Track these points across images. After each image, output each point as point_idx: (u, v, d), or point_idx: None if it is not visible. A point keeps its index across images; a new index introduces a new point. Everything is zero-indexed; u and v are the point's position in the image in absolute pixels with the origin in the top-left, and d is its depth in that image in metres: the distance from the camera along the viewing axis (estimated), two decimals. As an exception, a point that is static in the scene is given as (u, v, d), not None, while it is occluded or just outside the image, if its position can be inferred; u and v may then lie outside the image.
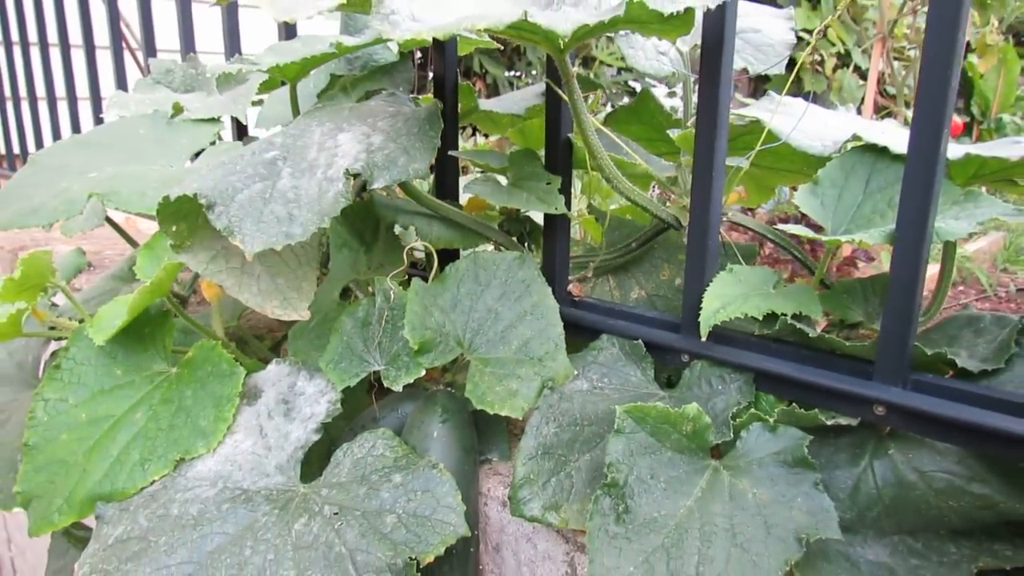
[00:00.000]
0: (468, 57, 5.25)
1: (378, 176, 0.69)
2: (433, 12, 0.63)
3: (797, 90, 6.27)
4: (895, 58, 4.56)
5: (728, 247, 0.91)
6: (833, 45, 5.22)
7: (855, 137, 0.81)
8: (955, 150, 0.76)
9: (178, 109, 1.15)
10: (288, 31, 1.32)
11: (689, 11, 0.59)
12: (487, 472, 0.82)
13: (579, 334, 0.87)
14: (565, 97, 0.78)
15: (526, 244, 1.02)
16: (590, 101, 1.25)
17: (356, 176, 0.68)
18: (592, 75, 5.36)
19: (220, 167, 0.70)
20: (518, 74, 6.04)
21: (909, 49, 4.47)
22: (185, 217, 0.74)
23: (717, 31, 0.71)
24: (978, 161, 0.82)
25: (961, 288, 2.59)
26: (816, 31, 0.90)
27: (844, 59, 5.11)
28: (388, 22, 0.57)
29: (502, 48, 5.55)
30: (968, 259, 2.54)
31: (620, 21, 0.57)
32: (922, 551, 0.66)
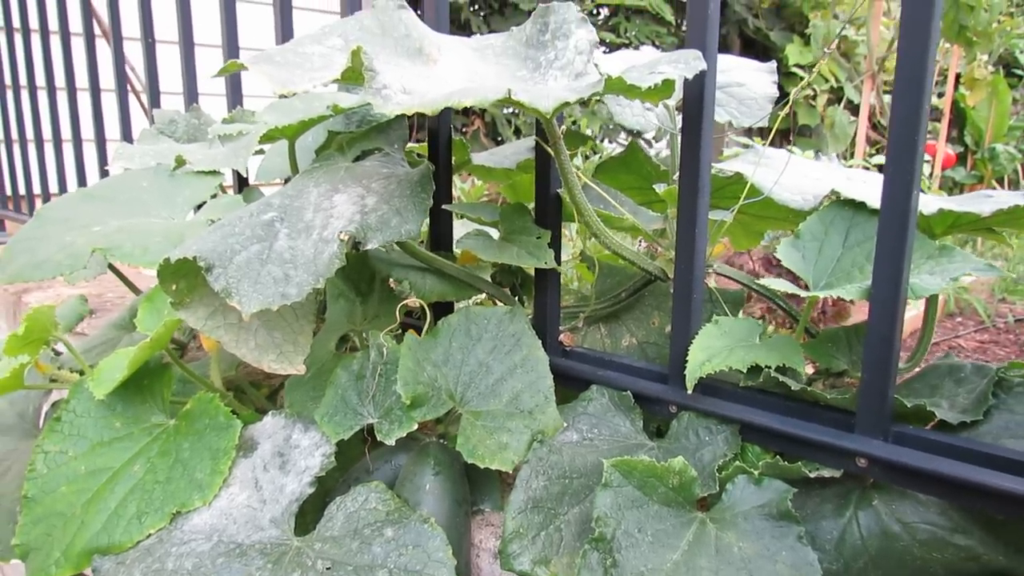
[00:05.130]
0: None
1: (371, 237, 0.71)
2: (424, 84, 0.66)
3: (792, 124, 6.37)
4: (887, 92, 4.64)
5: (714, 296, 0.93)
6: (826, 81, 5.32)
7: (834, 192, 0.83)
8: (929, 205, 0.79)
9: (180, 162, 1.18)
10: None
11: (667, 81, 0.62)
12: (479, 523, 0.83)
13: (570, 384, 0.89)
14: (554, 154, 0.81)
15: (519, 295, 1.04)
16: (578, 152, 1.28)
17: (351, 238, 0.71)
18: (592, 111, 5.44)
19: (219, 229, 0.73)
20: (516, 112, 6.15)
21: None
22: (185, 276, 0.77)
23: (697, 96, 0.74)
24: (953, 215, 0.85)
25: (959, 319, 2.61)
26: (797, 88, 0.93)
27: (837, 93, 5.19)
28: (380, 96, 0.60)
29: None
30: (966, 290, 2.56)
31: (600, 95, 0.60)
32: (908, 603, 0.66)
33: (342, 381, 0.83)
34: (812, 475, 0.69)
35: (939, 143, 4.11)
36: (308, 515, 0.82)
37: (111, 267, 1.32)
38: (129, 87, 2.21)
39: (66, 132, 2.35)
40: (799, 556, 0.63)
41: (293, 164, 0.98)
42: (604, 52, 0.95)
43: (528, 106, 0.56)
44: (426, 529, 0.70)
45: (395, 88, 0.61)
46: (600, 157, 1.11)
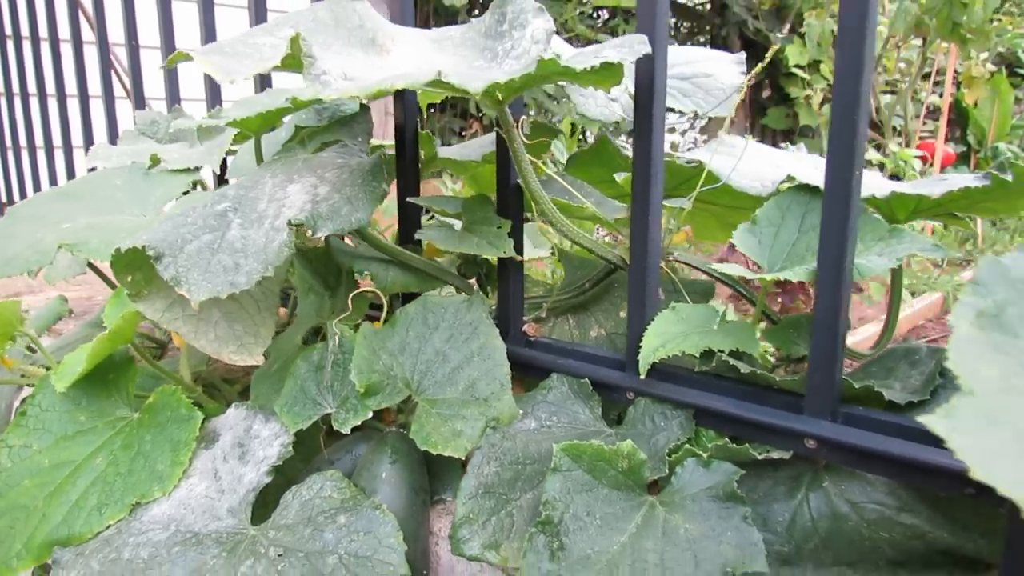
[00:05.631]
0: (465, 100, 5.37)
1: (322, 226, 0.72)
2: (369, 71, 0.67)
3: (793, 124, 6.35)
4: (891, 91, 4.63)
5: (678, 286, 0.93)
6: (825, 79, 5.31)
7: (789, 177, 0.83)
8: (882, 188, 0.79)
9: (155, 161, 1.19)
10: (264, 83, 1.37)
11: (607, 65, 0.62)
12: (440, 512, 0.83)
13: (533, 374, 0.89)
14: (508, 142, 0.81)
15: (485, 286, 1.04)
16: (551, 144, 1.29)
17: (300, 226, 0.71)
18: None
19: (171, 219, 0.73)
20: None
21: (902, 82, 4.54)
22: (140, 268, 0.77)
23: (647, 84, 0.74)
24: (914, 198, 0.85)
25: (958, 317, 2.59)
26: (750, 75, 0.93)
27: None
28: (319, 82, 0.60)
29: (498, 89, 5.69)
30: (964, 287, 2.56)
31: (535, 78, 0.60)
32: (859, 584, 0.66)
33: (302, 372, 0.83)
34: (760, 456, 0.68)
35: (938, 142, 4.09)
36: (271, 505, 0.82)
37: (91, 267, 1.33)
38: (124, 90, 2.22)
39: (57, 139, 2.38)
40: (744, 536, 0.62)
41: (259, 158, 0.98)
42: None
43: (458, 87, 0.56)
44: (377, 515, 0.70)
45: (335, 74, 0.61)
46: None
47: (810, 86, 5.49)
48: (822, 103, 4.35)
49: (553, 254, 1.14)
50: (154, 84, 1.83)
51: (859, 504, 0.66)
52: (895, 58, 4.49)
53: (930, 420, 0.31)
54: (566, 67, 0.58)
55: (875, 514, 0.65)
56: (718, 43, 7.18)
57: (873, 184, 0.79)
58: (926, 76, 4.45)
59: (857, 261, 0.69)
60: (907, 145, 3.98)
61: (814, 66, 5.61)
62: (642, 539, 0.65)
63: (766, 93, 7.05)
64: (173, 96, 1.69)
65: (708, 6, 7.41)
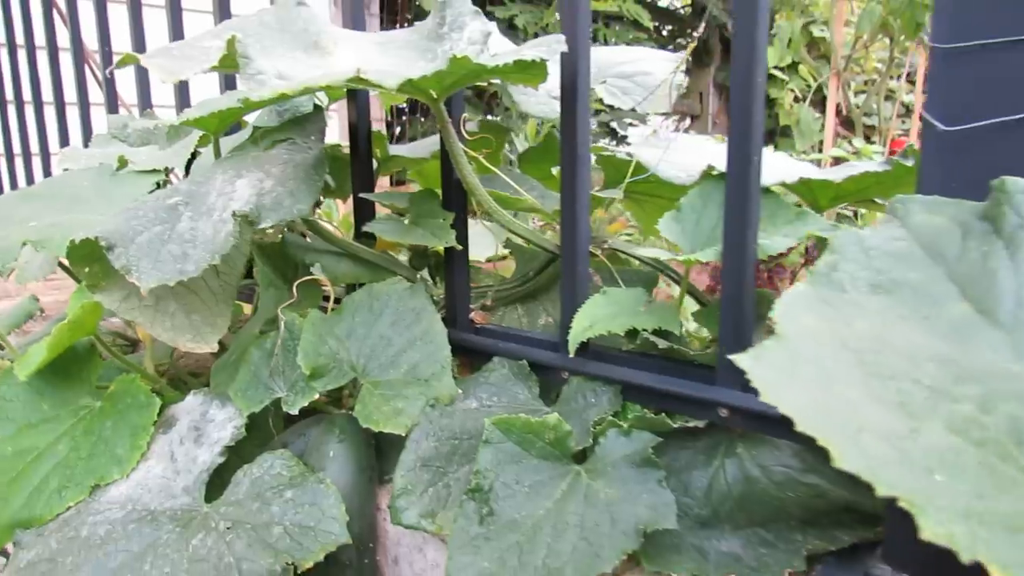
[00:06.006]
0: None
1: (265, 217, 0.76)
2: (306, 72, 0.71)
3: (775, 125, 6.46)
4: (860, 91, 4.72)
5: (615, 274, 0.98)
6: (803, 80, 5.41)
7: (710, 167, 0.88)
8: (792, 175, 0.84)
9: (123, 162, 1.23)
10: (228, 85, 1.41)
11: (521, 62, 0.67)
12: (389, 490, 0.87)
13: (479, 359, 0.93)
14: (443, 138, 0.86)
15: (434, 277, 1.09)
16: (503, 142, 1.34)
17: (246, 217, 0.76)
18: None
19: (125, 213, 0.77)
20: (498, 118, 6.22)
21: (877, 81, 4.63)
22: (98, 259, 0.81)
23: (571, 82, 0.79)
24: (834, 185, 0.90)
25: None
26: (673, 70, 0.98)
27: (803, 92, 5.29)
28: (255, 81, 0.65)
29: (479, 94, 5.77)
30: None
31: (452, 75, 0.65)
32: (771, 540, 0.71)
33: (255, 358, 0.88)
34: (676, 425, 0.73)
35: (911, 139, 4.18)
36: (228, 485, 0.86)
37: (63, 267, 1.37)
38: (95, 78, 2.24)
39: (34, 146, 2.41)
40: (658, 497, 0.67)
41: (216, 157, 1.02)
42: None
43: (375, 84, 0.61)
44: (322, 489, 0.75)
45: (270, 74, 0.66)
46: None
47: (785, 86, 5.58)
48: (795, 101, 4.45)
49: (506, 247, 1.19)
50: (130, 90, 1.87)
51: (768, 467, 0.71)
52: (867, 58, 4.59)
53: (738, 357, 0.36)
54: (479, 64, 0.63)
55: (782, 476, 0.70)
56: (698, 46, 7.26)
57: (783, 171, 0.84)
58: (899, 76, 4.55)
59: (764, 241, 0.74)
60: (883, 143, 4.05)
61: (793, 67, 5.69)
62: (566, 503, 0.69)
63: (746, 94, 7.13)
64: (145, 101, 1.73)
65: (689, 10, 7.51)
